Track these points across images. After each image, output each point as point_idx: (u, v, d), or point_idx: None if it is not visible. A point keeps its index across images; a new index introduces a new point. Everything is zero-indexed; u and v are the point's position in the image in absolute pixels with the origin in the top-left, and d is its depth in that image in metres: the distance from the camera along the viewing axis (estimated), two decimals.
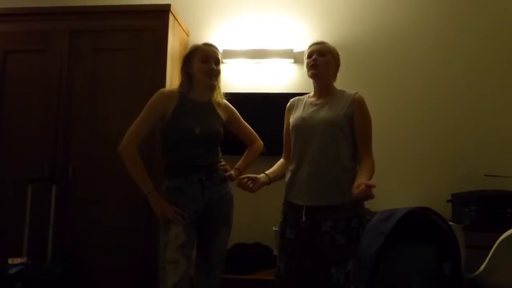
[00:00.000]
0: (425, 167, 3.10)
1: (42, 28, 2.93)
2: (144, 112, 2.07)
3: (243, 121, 2.33)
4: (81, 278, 2.70)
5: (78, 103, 2.86)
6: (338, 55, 2.15)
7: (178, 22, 3.04)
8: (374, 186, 1.69)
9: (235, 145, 2.37)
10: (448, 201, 2.85)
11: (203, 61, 2.10)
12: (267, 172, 2.16)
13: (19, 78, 2.93)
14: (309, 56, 2.12)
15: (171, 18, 2.87)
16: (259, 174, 2.51)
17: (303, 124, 2.07)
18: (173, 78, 2.87)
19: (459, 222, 2.60)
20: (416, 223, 1.23)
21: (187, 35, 3.31)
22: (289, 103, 2.25)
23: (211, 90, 2.18)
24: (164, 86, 2.75)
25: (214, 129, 2.13)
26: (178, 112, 2.06)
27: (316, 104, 2.11)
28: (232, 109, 2.29)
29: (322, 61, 2.08)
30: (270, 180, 2.13)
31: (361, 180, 1.82)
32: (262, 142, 2.37)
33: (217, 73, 2.13)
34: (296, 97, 2.25)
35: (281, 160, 2.24)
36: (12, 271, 2.37)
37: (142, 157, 2.01)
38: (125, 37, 2.88)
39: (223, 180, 2.15)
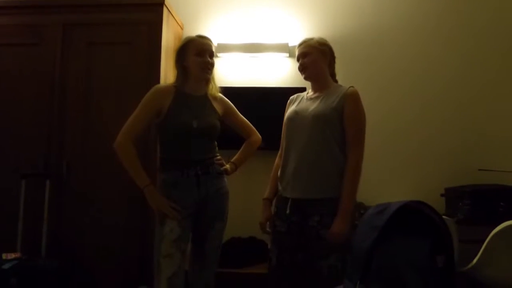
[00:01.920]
0: (419, 161, 3.12)
1: (35, 21, 2.90)
2: (140, 108, 2.06)
3: (240, 114, 2.34)
4: (76, 273, 2.69)
5: (72, 97, 2.83)
6: (325, 45, 2.14)
7: (172, 15, 3.02)
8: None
9: (231, 139, 2.37)
10: (442, 195, 2.86)
11: (198, 55, 2.09)
12: (268, 196, 2.20)
13: (12, 72, 2.90)
14: (297, 60, 2.15)
15: (165, 11, 2.85)
16: (254, 169, 2.52)
17: (295, 117, 2.09)
18: (167, 71, 2.86)
19: (452, 216, 2.62)
20: (410, 216, 1.24)
21: (182, 28, 3.30)
22: (289, 99, 2.28)
23: (206, 83, 2.18)
24: (158, 79, 2.74)
25: (211, 123, 2.13)
26: (174, 107, 2.06)
27: (311, 99, 2.12)
28: (228, 103, 2.29)
29: (306, 62, 2.10)
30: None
31: (333, 228, 1.91)
32: (260, 136, 2.37)
33: (211, 66, 2.14)
34: (297, 93, 2.28)
35: (275, 173, 2.23)
36: (6, 266, 2.36)
37: (137, 152, 2.01)
38: (119, 30, 2.85)
39: (219, 174, 2.15)
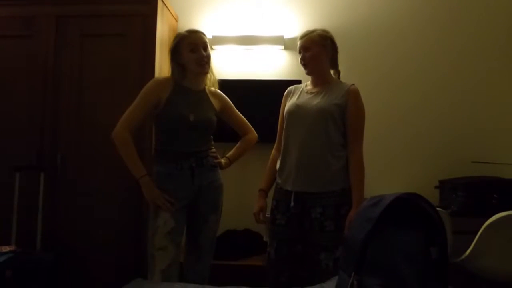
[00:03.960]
0: (414, 154, 3.13)
1: (28, 13, 2.86)
2: (139, 99, 2.07)
3: (237, 111, 2.34)
4: (71, 265, 2.69)
5: (66, 89, 2.81)
6: (326, 39, 2.13)
7: (167, 7, 3.00)
8: None
9: (227, 132, 2.38)
10: (436, 187, 2.88)
11: (192, 51, 2.09)
12: (263, 187, 2.22)
13: (4, 64, 2.87)
14: (299, 52, 2.15)
15: (159, 3, 2.82)
16: (249, 162, 2.48)
17: (297, 110, 2.10)
18: (162, 64, 2.84)
19: (446, 207, 2.64)
20: (404, 209, 1.25)
21: (176, 20, 3.27)
22: (286, 90, 2.28)
23: (204, 76, 2.18)
24: (153, 72, 2.72)
25: (208, 117, 2.14)
26: (172, 99, 2.06)
27: (312, 93, 2.14)
28: (226, 99, 2.30)
29: (308, 57, 2.10)
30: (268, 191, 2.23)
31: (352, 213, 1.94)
32: (256, 134, 2.38)
33: (208, 59, 2.13)
34: (294, 85, 2.29)
35: (271, 165, 2.25)
36: (1, 259, 2.36)
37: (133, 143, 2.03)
38: (113, 22, 2.83)
39: (212, 167, 2.16)
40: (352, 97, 2.06)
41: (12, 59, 2.86)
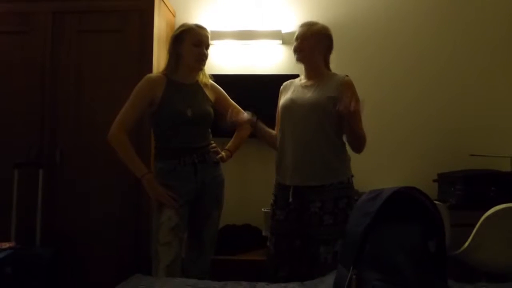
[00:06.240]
0: (412, 148, 3.14)
1: (24, 8, 2.85)
2: (132, 99, 2.05)
3: (231, 100, 2.34)
4: (70, 261, 2.70)
5: (64, 85, 2.80)
6: (326, 36, 2.13)
7: (164, 2, 2.98)
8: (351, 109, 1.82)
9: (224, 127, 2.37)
10: (434, 180, 2.89)
11: (196, 45, 2.09)
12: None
13: (2, 60, 2.86)
14: (296, 39, 2.12)
15: None
16: (248, 157, 2.47)
17: (291, 105, 2.10)
18: (160, 60, 2.83)
19: (445, 201, 2.65)
20: (403, 202, 1.25)
21: (174, 16, 3.26)
22: (282, 86, 2.27)
23: (197, 71, 2.17)
24: (151, 68, 2.71)
25: (205, 111, 2.14)
26: (167, 96, 2.05)
27: (305, 86, 2.12)
28: (219, 89, 2.29)
29: (305, 45, 2.09)
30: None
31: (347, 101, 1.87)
32: None
33: (206, 57, 2.14)
34: (289, 80, 2.27)
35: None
36: (1, 255, 2.36)
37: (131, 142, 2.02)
38: (110, 18, 2.81)
39: (215, 163, 2.16)
40: (346, 89, 2.04)
41: (10, 55, 2.85)
